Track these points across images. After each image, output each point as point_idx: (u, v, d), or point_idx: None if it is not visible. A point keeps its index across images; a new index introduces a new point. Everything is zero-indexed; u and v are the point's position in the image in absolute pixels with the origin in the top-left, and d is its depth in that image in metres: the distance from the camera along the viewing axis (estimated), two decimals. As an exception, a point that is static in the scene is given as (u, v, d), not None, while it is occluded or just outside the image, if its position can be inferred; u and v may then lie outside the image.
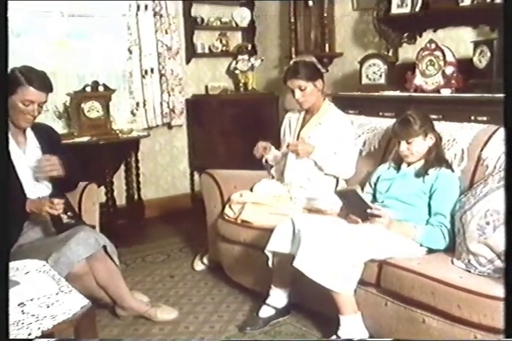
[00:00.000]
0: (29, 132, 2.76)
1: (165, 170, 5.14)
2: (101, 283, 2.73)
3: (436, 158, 2.70)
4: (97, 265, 2.67)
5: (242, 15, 5.26)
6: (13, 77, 2.55)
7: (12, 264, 2.13)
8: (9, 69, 2.58)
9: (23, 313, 1.67)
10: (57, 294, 1.83)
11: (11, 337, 1.54)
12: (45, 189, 2.73)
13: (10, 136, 2.66)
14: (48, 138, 2.84)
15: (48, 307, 1.73)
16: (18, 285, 1.90)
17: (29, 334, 1.57)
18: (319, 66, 3.86)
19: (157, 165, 5.07)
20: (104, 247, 2.68)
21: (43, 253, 2.43)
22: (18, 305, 1.74)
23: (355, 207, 2.62)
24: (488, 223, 2.29)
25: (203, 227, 3.62)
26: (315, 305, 2.78)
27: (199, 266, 3.63)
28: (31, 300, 1.78)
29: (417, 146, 2.67)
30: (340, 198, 2.72)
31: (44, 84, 2.62)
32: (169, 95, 4.82)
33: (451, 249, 2.48)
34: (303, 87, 3.16)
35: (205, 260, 3.62)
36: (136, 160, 4.57)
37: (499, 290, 1.95)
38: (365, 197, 2.60)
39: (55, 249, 2.47)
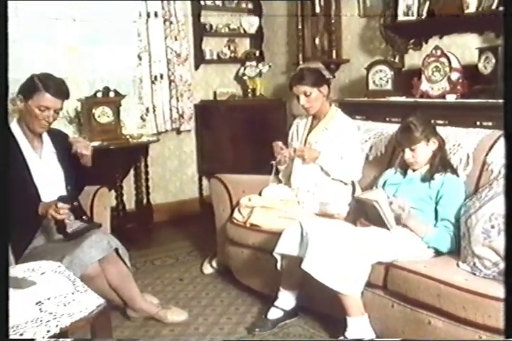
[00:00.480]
0: (45, 137, 2.82)
1: (173, 174, 5.20)
2: (113, 285, 2.78)
3: (440, 162, 2.74)
4: (109, 267, 2.72)
5: (250, 22, 5.33)
6: (31, 83, 2.63)
7: (28, 265, 2.20)
8: (28, 76, 2.70)
9: (41, 311, 1.73)
10: (73, 293, 1.88)
11: (30, 334, 1.59)
12: (60, 193, 2.77)
13: (26, 140, 2.73)
14: (62, 144, 2.89)
15: (65, 305, 1.78)
16: (35, 285, 1.95)
17: (48, 331, 1.62)
18: (325, 72, 3.91)
19: (166, 169, 5.13)
20: (116, 250, 2.73)
21: (57, 255, 2.48)
22: (36, 303, 1.79)
23: (371, 216, 2.65)
24: (492, 226, 2.33)
25: (211, 232, 3.67)
26: (322, 308, 2.82)
27: (208, 269, 3.68)
28: (48, 299, 1.83)
29: (421, 152, 2.71)
30: (357, 204, 2.76)
31: (60, 91, 2.68)
32: (178, 101, 4.89)
33: (456, 252, 2.51)
34: (308, 93, 3.21)
35: (213, 263, 3.67)
36: (146, 165, 4.62)
37: (501, 290, 1.99)
38: (385, 211, 2.57)
39: (68, 251, 2.52)
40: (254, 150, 4.88)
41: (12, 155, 2.68)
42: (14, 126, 2.75)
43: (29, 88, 2.64)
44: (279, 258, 2.74)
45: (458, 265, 2.43)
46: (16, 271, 2.12)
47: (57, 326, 1.65)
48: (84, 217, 2.84)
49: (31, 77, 2.67)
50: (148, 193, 4.70)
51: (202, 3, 5.04)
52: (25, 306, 1.77)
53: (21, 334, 1.58)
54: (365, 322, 2.51)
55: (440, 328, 2.26)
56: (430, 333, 2.30)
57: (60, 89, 2.68)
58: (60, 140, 2.91)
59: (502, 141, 2.68)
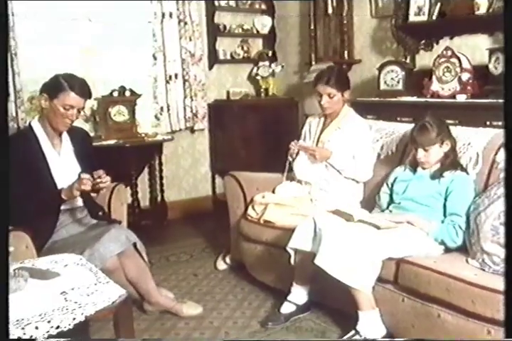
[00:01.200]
0: (65, 136, 2.89)
1: (187, 172, 5.27)
2: (130, 279, 2.85)
3: (451, 162, 2.80)
4: (127, 261, 2.80)
5: (263, 23, 5.40)
6: (57, 83, 2.72)
7: (51, 258, 2.28)
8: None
9: (66, 300, 1.81)
10: (95, 284, 1.97)
11: (57, 321, 1.67)
12: None
13: (46, 138, 2.81)
14: (81, 142, 2.98)
15: (88, 295, 1.86)
16: (59, 276, 2.04)
17: (74, 319, 1.70)
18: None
19: (179, 167, 5.21)
20: (134, 244, 2.81)
21: (77, 249, 2.56)
22: (61, 293, 1.87)
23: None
24: (501, 223, 2.39)
25: (224, 229, 3.74)
26: (334, 303, 2.89)
27: (222, 265, 3.76)
28: (72, 289, 1.91)
29: (434, 153, 2.77)
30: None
31: (84, 90, 2.77)
32: (192, 100, 4.97)
33: (465, 249, 2.57)
34: (332, 95, 3.26)
35: (227, 259, 3.74)
36: (160, 163, 4.71)
37: None
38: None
39: (88, 245, 2.61)
40: (266, 148, 4.96)
41: (33, 152, 2.77)
42: (35, 124, 2.83)
43: (55, 87, 2.72)
44: (292, 253, 2.81)
45: (467, 261, 2.49)
46: (39, 263, 2.21)
47: (82, 314, 1.74)
48: (100, 213, 2.94)
49: (56, 76, 2.76)
50: (162, 191, 4.79)
51: (216, 3, 5.12)
52: (50, 296, 1.85)
53: (49, 322, 1.67)
54: (375, 316, 2.58)
55: (449, 322, 2.32)
56: (439, 326, 2.36)
57: (83, 88, 2.77)
58: (79, 137, 2.99)
59: (511, 140, 2.75)
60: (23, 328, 1.62)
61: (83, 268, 2.14)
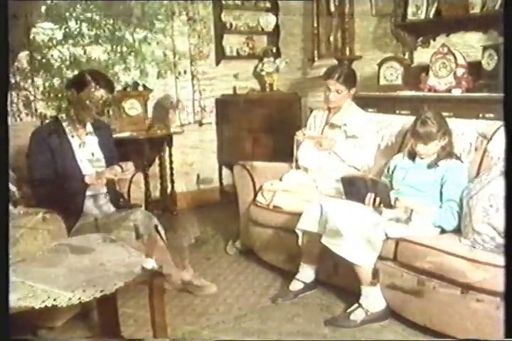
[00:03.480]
0: (89, 126, 3.13)
1: (195, 164, 5.47)
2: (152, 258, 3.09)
3: (447, 153, 3.01)
4: (149, 241, 3.03)
5: (267, 21, 5.60)
6: (83, 77, 2.96)
7: (84, 236, 2.52)
8: (77, 72, 3.02)
9: (106, 270, 2.05)
10: (129, 258, 2.20)
11: (101, 286, 1.91)
12: None
13: (72, 129, 3.05)
14: (103, 133, 3.21)
15: (124, 266, 2.10)
16: (94, 252, 2.27)
17: (115, 284, 1.94)
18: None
19: (188, 160, 5.41)
20: (155, 226, 3.05)
21: (105, 230, 2.79)
22: (100, 264, 2.11)
23: (354, 194, 2.96)
24: (491, 205, 2.62)
25: (232, 218, 4.00)
26: (339, 281, 3.13)
27: (232, 250, 3.99)
28: (109, 261, 2.15)
29: (432, 147, 2.97)
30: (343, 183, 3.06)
31: (108, 84, 3.00)
32: (200, 95, 5.21)
33: (458, 231, 2.80)
34: (340, 91, 3.50)
35: (237, 244, 3.98)
36: (170, 155, 4.92)
37: (498, 259, 2.29)
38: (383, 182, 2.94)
39: (114, 227, 2.85)
40: (271, 141, 5.18)
41: (60, 142, 3.01)
42: (62, 117, 3.07)
43: (81, 82, 2.95)
44: (300, 234, 3.05)
45: (460, 240, 2.72)
46: (74, 241, 2.44)
47: (121, 281, 1.97)
48: (121, 200, 3.18)
49: (81, 72, 3.01)
50: (172, 181, 5.00)
51: (223, 2, 5.32)
52: (91, 267, 2.09)
53: (94, 286, 1.90)
54: (377, 290, 2.82)
55: (443, 293, 2.56)
56: (434, 298, 2.60)
57: (107, 82, 3.01)
58: (101, 129, 3.23)
59: (501, 131, 2.99)
60: (72, 291, 1.86)
61: (116, 245, 2.38)
